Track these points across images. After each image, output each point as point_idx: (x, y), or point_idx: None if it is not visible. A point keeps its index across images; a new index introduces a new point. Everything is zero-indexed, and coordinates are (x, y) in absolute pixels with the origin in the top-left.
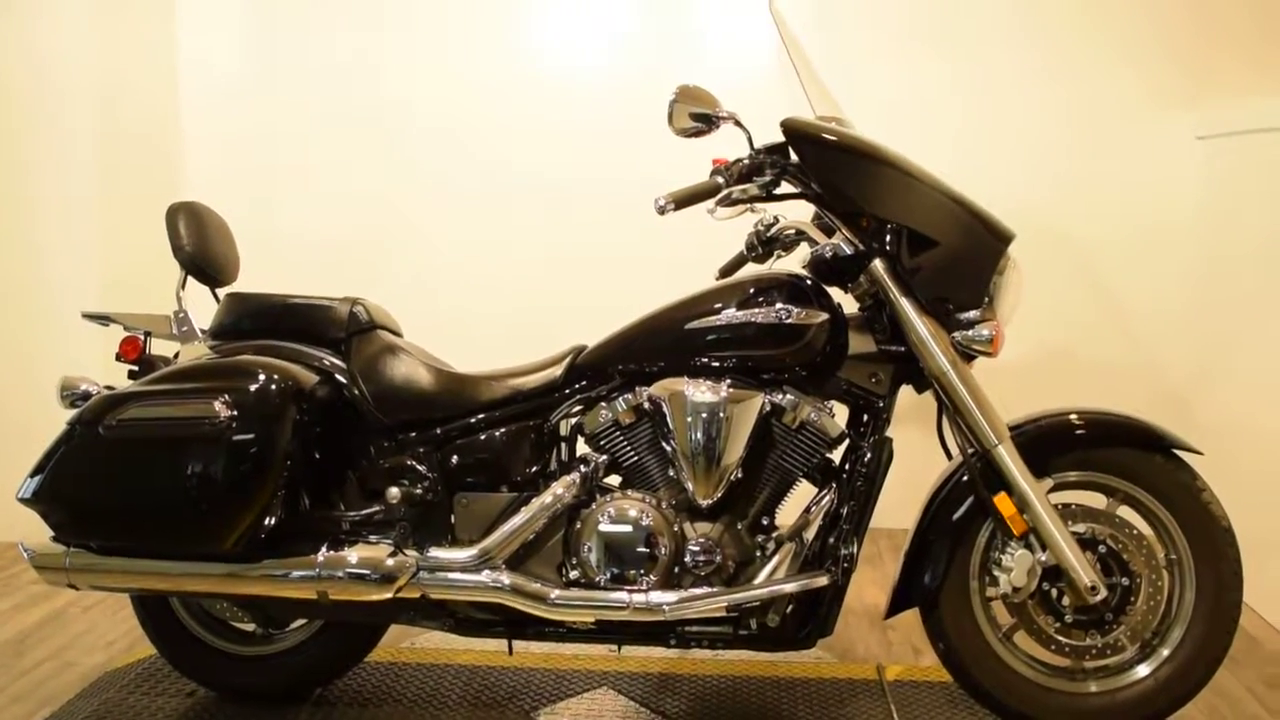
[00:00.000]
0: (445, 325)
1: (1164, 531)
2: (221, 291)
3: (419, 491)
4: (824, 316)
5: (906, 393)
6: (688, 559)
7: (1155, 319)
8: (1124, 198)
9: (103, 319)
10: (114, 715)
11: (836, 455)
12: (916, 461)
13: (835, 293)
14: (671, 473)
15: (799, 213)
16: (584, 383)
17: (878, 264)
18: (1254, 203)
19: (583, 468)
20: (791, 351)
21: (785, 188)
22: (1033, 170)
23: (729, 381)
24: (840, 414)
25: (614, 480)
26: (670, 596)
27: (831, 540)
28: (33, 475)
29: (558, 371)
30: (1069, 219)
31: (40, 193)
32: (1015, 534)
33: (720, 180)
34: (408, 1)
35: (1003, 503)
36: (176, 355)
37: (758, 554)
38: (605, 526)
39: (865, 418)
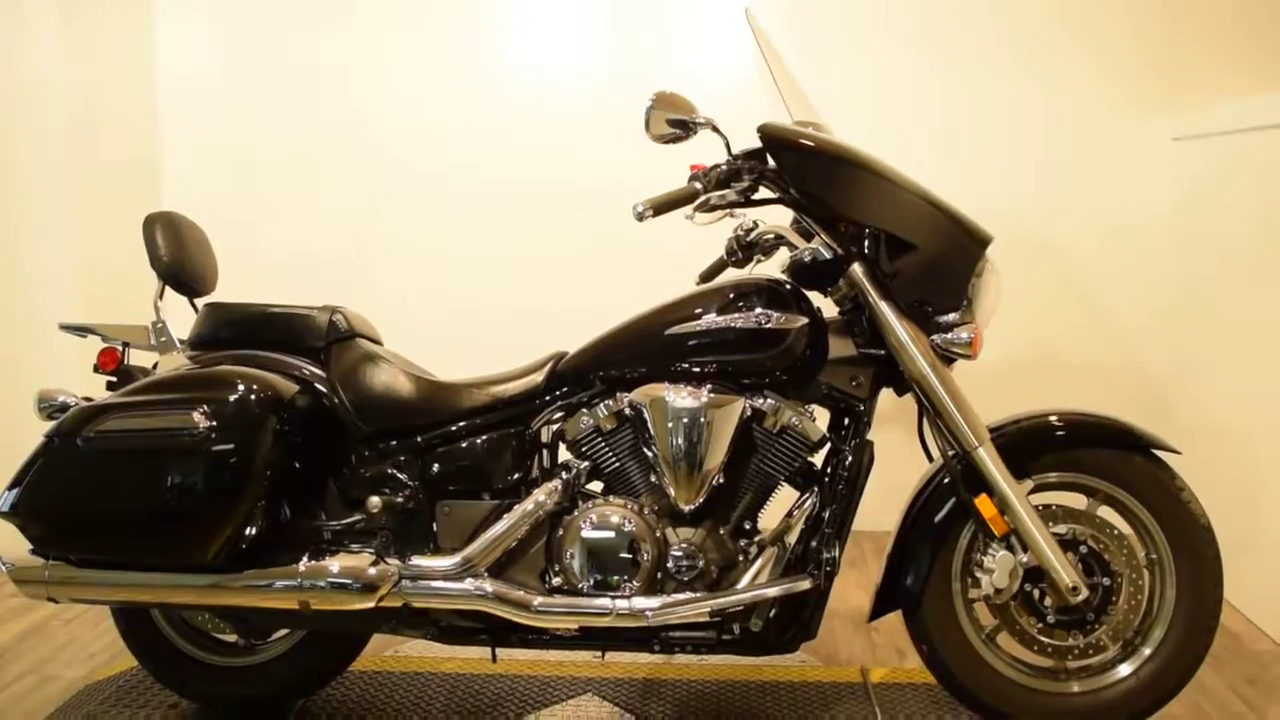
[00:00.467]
0: (425, 333)
1: (1144, 531)
2: (200, 301)
3: (400, 500)
4: (804, 321)
5: (887, 395)
6: (670, 564)
7: (1133, 320)
8: (1101, 200)
9: (81, 330)
10: None
11: (818, 459)
12: (898, 464)
13: (815, 297)
14: (653, 478)
15: (778, 217)
16: (565, 389)
17: (856, 268)
18: (1231, 204)
19: (564, 474)
20: (772, 356)
21: (763, 193)
22: (1010, 173)
23: (709, 387)
24: (821, 418)
25: (596, 486)
26: (653, 602)
27: (814, 544)
28: (10, 488)
29: (538, 378)
30: (1046, 221)
31: (16, 203)
32: (996, 535)
33: (698, 186)
34: (386, 9)
35: (984, 504)
36: (155, 366)
37: (740, 558)
38: (587, 533)
39: (846, 421)
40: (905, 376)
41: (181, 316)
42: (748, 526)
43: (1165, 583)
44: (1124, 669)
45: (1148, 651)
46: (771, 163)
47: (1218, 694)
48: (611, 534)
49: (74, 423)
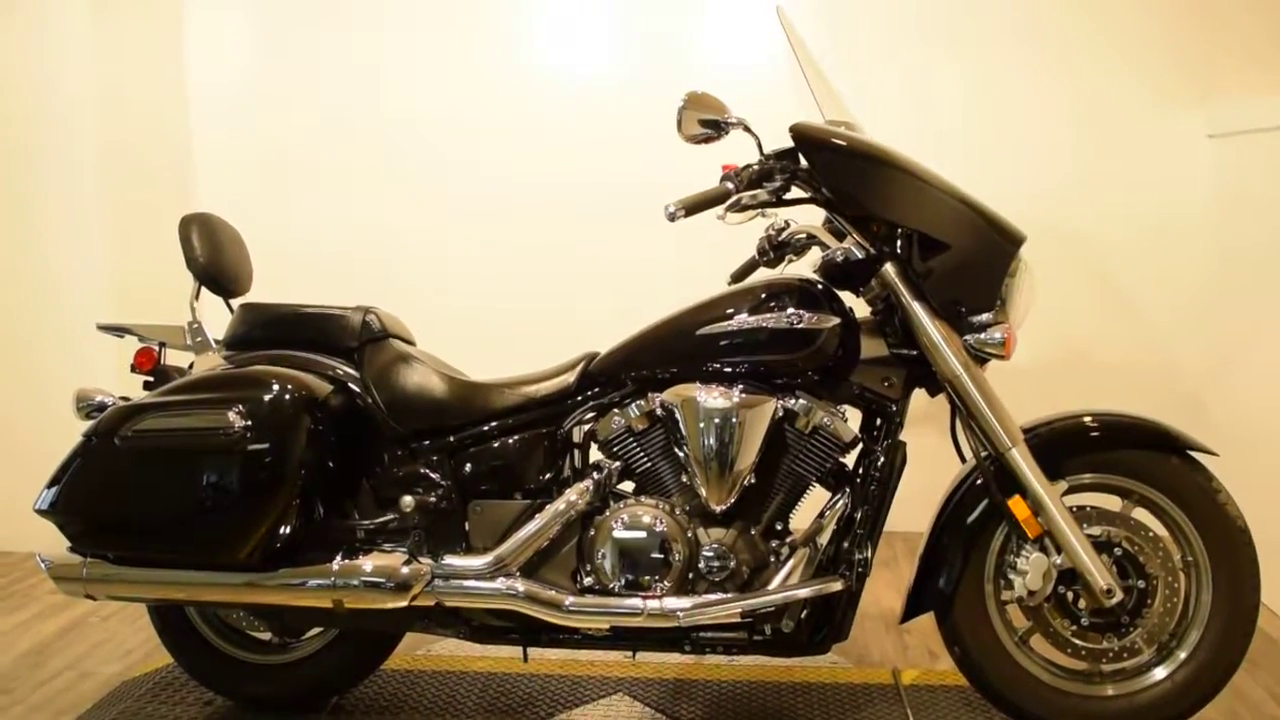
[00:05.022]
0: (458, 333)
1: (1180, 533)
2: (235, 302)
3: (433, 499)
4: (835, 321)
5: (919, 396)
6: (702, 565)
7: (1168, 319)
8: (1135, 197)
9: (118, 330)
10: None
11: (850, 460)
12: (930, 465)
13: (847, 297)
14: (685, 479)
15: (810, 217)
16: (596, 389)
17: (889, 268)
18: (1266, 201)
19: (596, 474)
20: (803, 356)
21: (795, 193)
22: (1043, 172)
23: (741, 387)
24: (853, 418)
25: (627, 487)
26: (684, 603)
27: (846, 545)
28: (49, 486)
29: (570, 378)
30: (1080, 220)
31: (52, 206)
32: (1030, 537)
33: (730, 186)
34: (418, 9)
35: (1017, 506)
36: (191, 366)
37: (772, 559)
38: (619, 533)
39: (878, 422)
40: (938, 377)
41: (217, 317)
42: (779, 527)
43: (1201, 585)
44: (1159, 672)
45: (1183, 655)
46: (804, 162)
47: (1254, 698)
48: (643, 534)
49: (111, 422)
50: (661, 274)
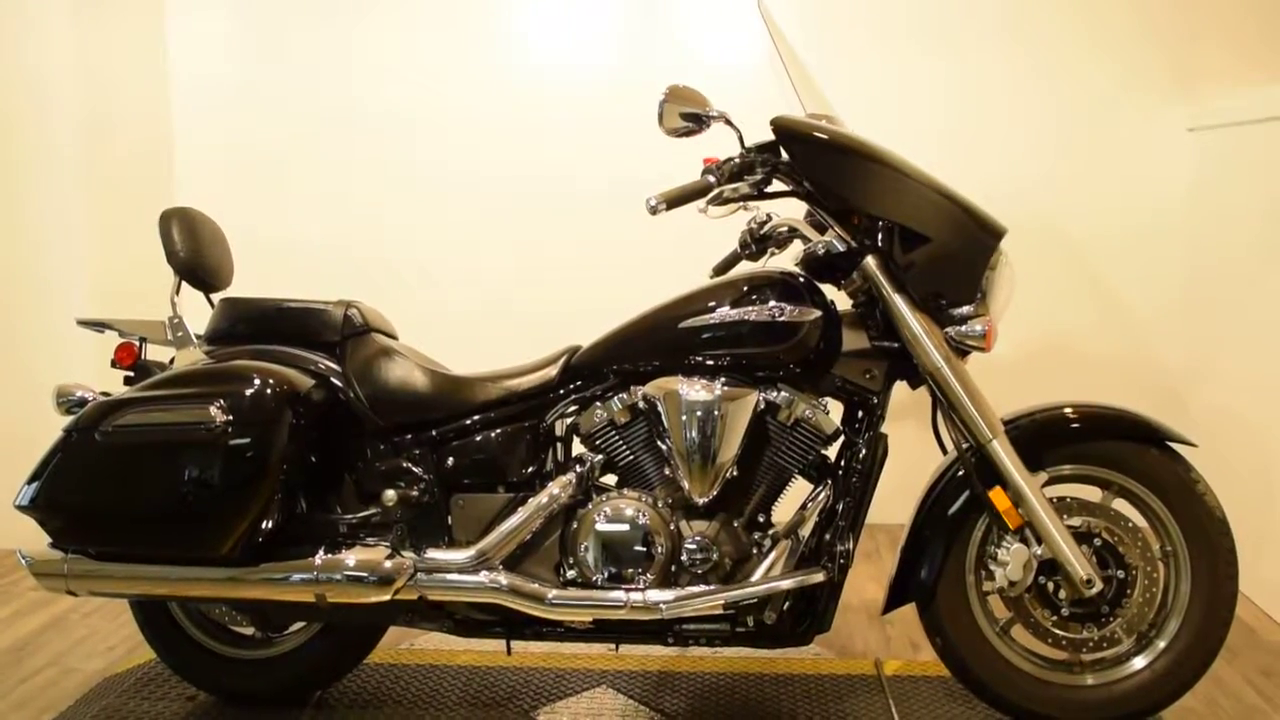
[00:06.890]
0: (440, 327)
1: (1159, 524)
2: (216, 296)
3: (415, 493)
4: (817, 313)
5: (901, 388)
6: (684, 557)
7: (1148, 312)
8: (1115, 191)
9: (98, 325)
10: None
11: (832, 451)
12: (912, 457)
13: (829, 289)
14: (667, 471)
15: (792, 210)
16: (579, 383)
17: (870, 260)
18: (1246, 194)
19: (579, 467)
20: (785, 349)
21: (777, 186)
22: (1023, 165)
23: (723, 379)
24: (835, 410)
25: (610, 479)
26: (667, 595)
27: (828, 536)
28: (29, 482)
29: (552, 372)
30: (1061, 214)
31: (32, 200)
32: (1011, 528)
33: (711, 179)
34: (400, 6)
35: (998, 497)
36: (172, 361)
37: (754, 551)
38: (602, 526)
39: (860, 414)
40: (919, 369)
41: (198, 312)
42: (761, 519)
43: (1180, 575)
44: (1139, 662)
45: (1162, 644)
46: (784, 155)
47: (1233, 686)
48: (626, 527)
49: (92, 417)
50: (643, 267)
